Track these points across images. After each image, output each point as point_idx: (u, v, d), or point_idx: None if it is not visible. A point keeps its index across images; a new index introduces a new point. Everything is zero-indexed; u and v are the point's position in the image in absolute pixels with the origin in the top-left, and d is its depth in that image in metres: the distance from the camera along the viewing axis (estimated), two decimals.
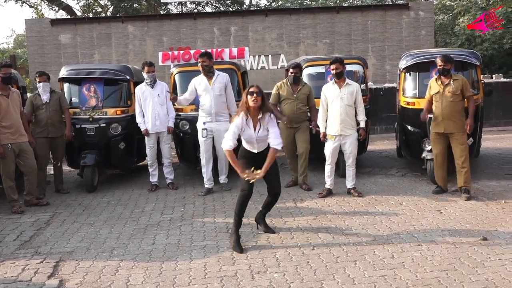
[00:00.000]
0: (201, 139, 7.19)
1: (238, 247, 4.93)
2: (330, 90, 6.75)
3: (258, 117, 4.98)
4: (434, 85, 6.60)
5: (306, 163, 7.33)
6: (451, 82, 6.44)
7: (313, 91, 7.44)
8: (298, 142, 7.30)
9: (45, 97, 7.46)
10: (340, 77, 6.67)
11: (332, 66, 6.66)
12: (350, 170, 6.87)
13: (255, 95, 4.91)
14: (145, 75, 7.55)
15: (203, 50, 7.47)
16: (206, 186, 7.28)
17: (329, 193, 6.87)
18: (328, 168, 6.87)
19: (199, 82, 7.09)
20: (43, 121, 7.35)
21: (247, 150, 5.18)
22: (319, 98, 7.21)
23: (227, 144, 4.98)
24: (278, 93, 7.35)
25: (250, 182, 4.92)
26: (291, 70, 7.28)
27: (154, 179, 7.68)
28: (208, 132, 7.10)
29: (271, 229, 5.43)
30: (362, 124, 6.84)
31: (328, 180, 6.90)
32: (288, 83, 7.30)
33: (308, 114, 7.41)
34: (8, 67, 6.62)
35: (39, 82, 7.50)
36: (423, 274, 4.20)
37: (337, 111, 6.64)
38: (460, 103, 6.48)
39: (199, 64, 7.06)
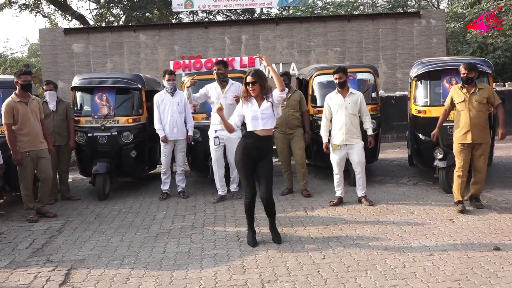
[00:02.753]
0: (212, 147, 7.21)
1: (252, 241, 5.28)
2: (334, 100, 6.73)
3: (263, 96, 5.24)
4: (458, 93, 6.31)
5: (304, 170, 7.46)
6: (477, 91, 6.20)
7: (304, 97, 7.60)
8: (294, 150, 7.41)
9: (51, 105, 7.58)
10: (343, 86, 6.66)
11: (336, 76, 6.65)
12: (360, 179, 6.80)
13: (251, 85, 5.17)
14: (165, 83, 7.62)
15: (214, 59, 7.57)
16: (219, 193, 7.30)
17: (340, 201, 6.83)
18: (337, 177, 6.84)
19: (212, 89, 7.14)
20: (50, 129, 7.36)
21: (249, 136, 5.24)
22: None
23: (232, 120, 5.36)
24: None
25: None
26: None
27: (166, 187, 7.71)
28: (220, 140, 7.10)
29: (277, 239, 5.36)
30: (370, 132, 6.83)
31: (338, 190, 6.88)
32: None
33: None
34: (28, 75, 6.64)
35: (46, 90, 7.64)
36: (435, 284, 4.16)
37: (342, 120, 6.61)
38: (486, 112, 6.29)
39: (214, 72, 7.12)
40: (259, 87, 5.18)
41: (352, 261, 4.73)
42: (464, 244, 5.10)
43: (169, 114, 7.50)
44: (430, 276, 4.33)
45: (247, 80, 5.19)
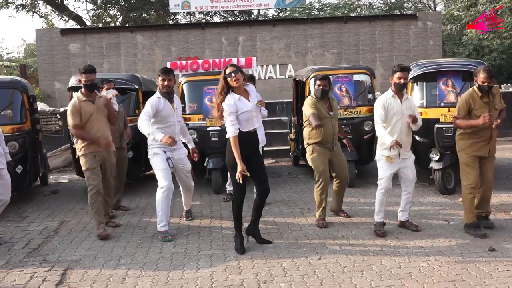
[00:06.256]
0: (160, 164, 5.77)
1: (241, 248, 5.10)
2: (390, 104, 5.55)
3: (246, 88, 5.05)
4: (478, 103, 5.43)
5: (344, 190, 6.42)
6: (493, 98, 5.48)
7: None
8: (336, 166, 6.16)
9: (116, 106, 6.74)
10: (404, 88, 5.57)
11: (399, 75, 5.44)
12: (409, 200, 5.79)
13: (233, 74, 4.81)
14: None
15: (211, 60, 7.48)
16: (163, 230, 5.75)
17: (384, 226, 5.68)
18: (382, 197, 5.65)
19: (161, 106, 5.71)
20: (117, 132, 6.88)
21: (244, 136, 4.96)
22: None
23: (230, 132, 4.89)
24: (316, 112, 5.98)
25: (238, 181, 4.95)
26: (318, 82, 6.10)
27: (231, 187, 7.27)
28: (172, 162, 5.83)
29: (266, 240, 5.34)
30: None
31: (381, 213, 5.66)
32: (318, 99, 6.13)
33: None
34: (91, 73, 5.87)
35: (107, 88, 6.87)
36: (430, 285, 4.18)
37: (398, 129, 5.53)
38: None
39: (164, 83, 5.71)
40: (242, 74, 4.92)
41: (348, 262, 4.75)
42: (459, 245, 5.12)
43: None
44: (425, 276, 4.35)
45: (228, 72, 4.83)
